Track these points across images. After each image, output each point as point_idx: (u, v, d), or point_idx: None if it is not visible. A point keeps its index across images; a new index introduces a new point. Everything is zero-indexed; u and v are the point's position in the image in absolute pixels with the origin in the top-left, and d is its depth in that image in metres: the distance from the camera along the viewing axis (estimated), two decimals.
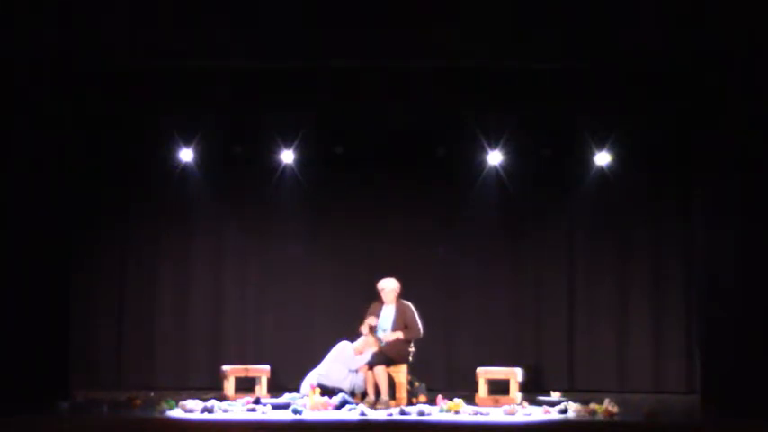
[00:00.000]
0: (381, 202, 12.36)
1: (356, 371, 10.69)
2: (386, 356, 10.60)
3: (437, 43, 10.31)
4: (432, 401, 10.45)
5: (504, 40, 10.28)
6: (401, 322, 10.76)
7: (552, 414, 10.01)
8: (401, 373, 10.73)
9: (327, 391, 10.45)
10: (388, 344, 10.67)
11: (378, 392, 10.46)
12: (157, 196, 12.35)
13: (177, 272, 12.42)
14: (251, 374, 11.17)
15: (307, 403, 10.07)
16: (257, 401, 10.29)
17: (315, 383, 10.47)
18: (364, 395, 10.57)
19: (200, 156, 12.07)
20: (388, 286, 10.85)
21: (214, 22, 10.17)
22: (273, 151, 12.03)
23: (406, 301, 10.88)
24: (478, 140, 11.81)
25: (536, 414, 10.00)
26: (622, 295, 12.25)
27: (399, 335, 10.68)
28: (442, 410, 10.06)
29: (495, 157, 11.96)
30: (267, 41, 10.33)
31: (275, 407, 10.08)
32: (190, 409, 9.82)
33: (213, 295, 12.44)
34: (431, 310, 11.44)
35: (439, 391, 10.69)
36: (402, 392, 10.68)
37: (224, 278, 12.46)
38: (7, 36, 10.04)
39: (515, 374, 10.92)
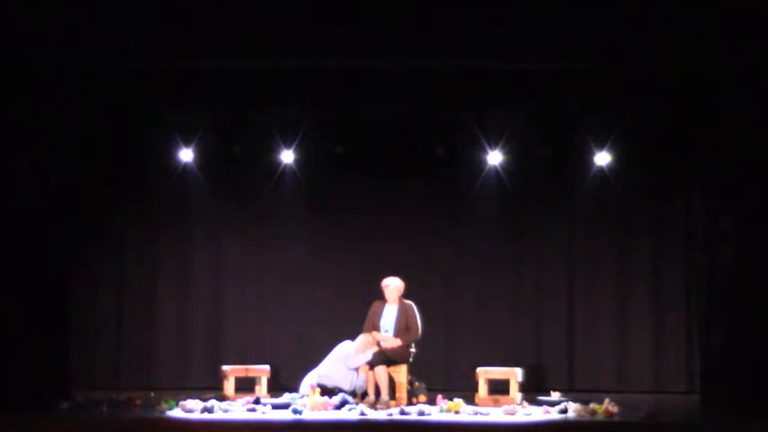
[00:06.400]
0: (381, 202, 12.37)
1: (357, 370, 10.68)
2: (386, 356, 10.61)
3: (437, 43, 10.31)
4: (432, 401, 10.45)
5: (504, 40, 10.28)
6: (403, 322, 10.77)
7: (552, 414, 10.01)
8: (401, 373, 10.73)
9: (327, 391, 10.46)
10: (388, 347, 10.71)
11: (378, 392, 10.46)
12: (157, 196, 12.35)
13: (177, 272, 12.42)
14: (251, 374, 11.17)
15: (307, 403, 10.07)
16: (257, 401, 10.29)
17: (315, 383, 10.47)
18: (364, 395, 10.57)
19: (200, 156, 12.06)
20: (392, 284, 10.86)
21: (214, 22, 10.18)
22: (273, 151, 12.03)
23: (408, 301, 10.89)
24: (478, 140, 11.81)
25: (536, 414, 10.00)
26: (622, 295, 12.26)
27: (398, 342, 10.69)
28: (442, 410, 10.06)
29: (495, 157, 11.95)
30: (267, 41, 10.34)
31: (275, 407, 10.08)
32: (190, 409, 9.82)
33: (213, 295, 12.44)
34: (431, 310, 11.46)
35: (439, 391, 10.69)
36: (402, 392, 10.68)
37: (224, 278, 12.46)
38: (8, 36, 10.05)
39: (515, 374, 10.92)
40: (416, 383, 10.88)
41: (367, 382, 10.59)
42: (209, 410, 9.76)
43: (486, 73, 10.93)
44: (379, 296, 10.96)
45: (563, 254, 12.40)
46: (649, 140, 11.87)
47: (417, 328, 10.78)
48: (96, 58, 10.59)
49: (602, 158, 11.90)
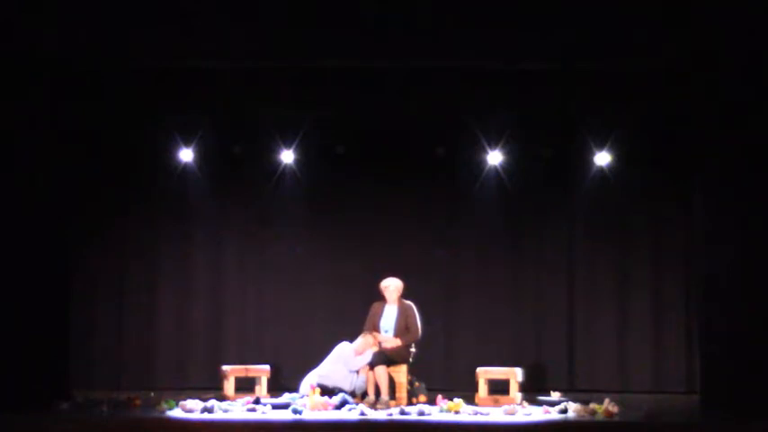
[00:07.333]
0: (381, 202, 12.37)
1: (357, 372, 10.68)
2: (386, 356, 10.61)
3: (438, 43, 10.32)
4: (432, 401, 10.45)
5: (504, 40, 10.29)
6: (403, 323, 10.78)
7: (552, 414, 10.01)
8: (401, 373, 10.73)
9: (327, 391, 10.45)
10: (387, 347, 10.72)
11: (378, 392, 10.46)
12: (157, 196, 12.35)
13: (177, 272, 12.42)
14: (251, 374, 11.17)
15: (307, 403, 10.07)
16: (257, 401, 10.29)
17: (315, 383, 10.47)
18: (364, 395, 10.57)
19: (200, 156, 12.07)
20: (392, 284, 10.87)
21: (214, 22, 10.18)
22: (273, 151, 12.04)
23: (408, 302, 10.89)
24: (478, 140, 11.82)
25: (536, 414, 10.00)
26: (622, 295, 12.26)
27: (398, 342, 10.70)
28: (442, 410, 10.06)
29: (495, 157, 11.96)
30: (267, 41, 10.34)
31: (275, 407, 10.08)
32: (190, 409, 9.81)
33: (213, 295, 12.44)
34: (431, 310, 11.47)
35: (439, 391, 10.69)
36: (402, 392, 10.68)
37: (224, 278, 12.46)
38: (7, 36, 10.05)
39: (515, 374, 10.92)
40: (416, 383, 10.88)
41: (367, 382, 10.59)
42: (209, 410, 9.76)
43: (486, 73, 10.93)
44: (380, 296, 10.96)
45: (563, 254, 12.40)
46: (649, 140, 11.86)
47: (417, 329, 10.79)
48: (96, 58, 10.59)
49: (602, 158, 11.92)
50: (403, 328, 10.78)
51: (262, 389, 11.02)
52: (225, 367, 11.23)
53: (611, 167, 11.99)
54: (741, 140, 10.22)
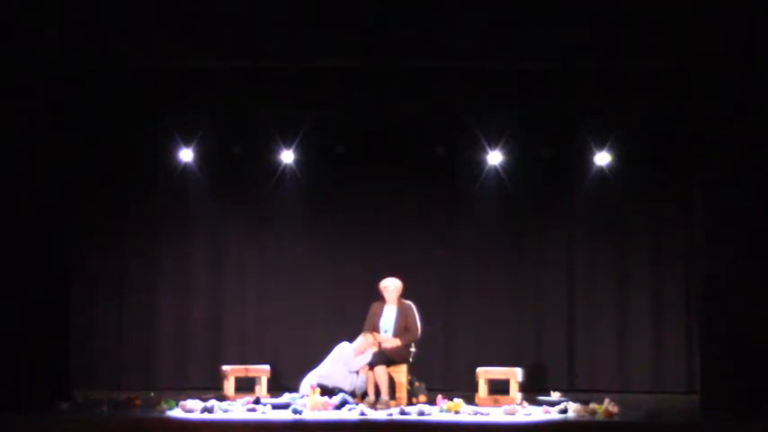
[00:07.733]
0: (381, 202, 12.37)
1: (357, 372, 10.68)
2: (386, 356, 10.61)
3: (438, 43, 10.32)
4: (432, 401, 10.45)
5: (504, 40, 10.29)
6: (402, 323, 10.78)
7: (552, 414, 10.01)
8: (401, 373, 10.73)
9: (327, 391, 10.46)
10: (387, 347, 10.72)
11: (378, 392, 10.46)
12: (157, 196, 12.35)
13: (177, 272, 12.42)
14: (251, 374, 11.17)
15: (307, 403, 10.07)
16: (257, 401, 10.29)
17: (315, 383, 10.47)
18: (364, 395, 10.58)
19: (200, 156, 12.07)
20: (392, 285, 10.87)
21: (214, 22, 10.18)
22: (273, 151, 12.04)
23: (407, 302, 10.89)
24: (478, 140, 11.83)
25: (536, 414, 10.00)
26: (622, 295, 12.26)
27: (398, 342, 10.70)
28: (442, 410, 10.06)
29: (495, 157, 11.96)
30: (267, 41, 10.34)
31: (275, 407, 10.08)
32: (190, 409, 9.82)
33: (213, 295, 12.44)
34: (431, 310, 11.46)
35: (439, 391, 10.69)
36: (402, 392, 10.68)
37: (224, 278, 12.46)
38: (7, 36, 10.05)
39: (515, 374, 10.93)
40: (416, 383, 10.88)
41: (367, 382, 10.59)
42: (209, 410, 9.76)
43: (486, 73, 10.93)
44: (380, 296, 10.96)
45: (563, 254, 12.40)
46: (649, 140, 11.86)
47: (417, 329, 10.79)
48: (96, 58, 10.59)
49: (602, 158, 11.92)
50: (402, 328, 10.78)
51: (262, 389, 11.02)
52: (225, 367, 11.23)
53: (611, 167, 11.99)
54: (741, 140, 10.22)
